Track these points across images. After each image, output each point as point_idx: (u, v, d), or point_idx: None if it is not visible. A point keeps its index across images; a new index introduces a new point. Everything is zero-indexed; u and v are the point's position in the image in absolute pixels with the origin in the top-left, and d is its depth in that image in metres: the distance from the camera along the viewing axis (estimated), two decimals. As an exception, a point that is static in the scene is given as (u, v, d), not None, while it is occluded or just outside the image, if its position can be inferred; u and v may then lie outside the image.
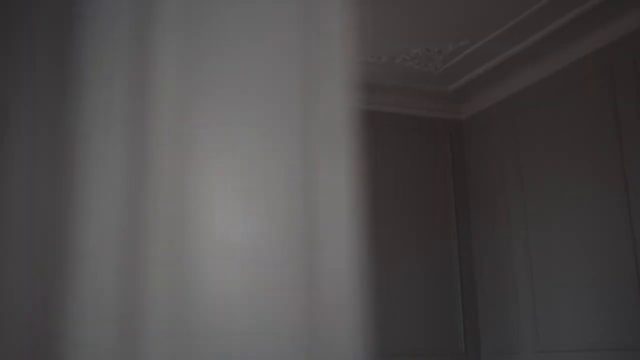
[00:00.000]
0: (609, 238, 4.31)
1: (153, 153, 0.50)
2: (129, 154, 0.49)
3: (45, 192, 0.50)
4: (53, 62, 0.53)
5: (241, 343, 0.47)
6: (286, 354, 0.47)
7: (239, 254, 0.49)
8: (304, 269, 0.50)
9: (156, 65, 0.51)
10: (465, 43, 4.76)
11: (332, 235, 0.52)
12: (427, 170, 5.54)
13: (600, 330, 4.31)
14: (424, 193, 5.47)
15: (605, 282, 4.30)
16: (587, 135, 4.53)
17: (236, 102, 0.54)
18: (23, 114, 0.59)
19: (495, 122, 5.38)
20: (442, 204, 5.51)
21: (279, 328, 0.48)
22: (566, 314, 4.57)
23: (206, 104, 0.52)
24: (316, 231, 0.52)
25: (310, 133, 0.56)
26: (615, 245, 4.26)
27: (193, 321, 0.47)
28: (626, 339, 4.14)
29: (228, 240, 0.49)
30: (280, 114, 0.56)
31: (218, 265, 0.48)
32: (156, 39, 0.51)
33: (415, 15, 4.36)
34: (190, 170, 0.50)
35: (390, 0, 4.19)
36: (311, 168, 0.54)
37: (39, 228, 0.50)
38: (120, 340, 0.45)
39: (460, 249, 5.45)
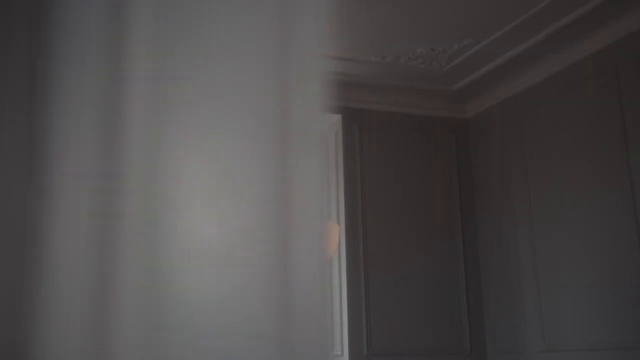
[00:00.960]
0: (614, 237, 4.29)
1: (127, 154, 0.50)
2: (102, 154, 0.50)
3: (17, 192, 0.51)
4: (26, 63, 0.53)
5: (215, 343, 0.47)
6: (260, 354, 0.48)
7: (213, 255, 0.49)
8: (278, 270, 0.51)
9: (130, 66, 0.51)
10: (470, 42, 4.76)
11: (305, 236, 0.53)
12: (433, 169, 5.53)
13: (605, 329, 4.30)
14: (429, 192, 5.47)
15: (611, 282, 4.29)
16: (592, 134, 4.51)
17: (211, 104, 0.54)
18: None
19: (500, 121, 5.37)
20: (448, 203, 5.51)
21: (253, 328, 0.48)
22: (572, 313, 4.56)
23: (181, 106, 0.53)
24: (290, 232, 0.53)
25: (285, 134, 0.56)
26: (620, 245, 4.25)
27: (167, 322, 0.47)
28: (632, 339, 4.13)
29: (202, 241, 0.49)
30: (254, 116, 0.56)
31: (192, 266, 0.49)
32: (130, 40, 0.52)
33: (420, 14, 4.36)
34: (165, 172, 0.51)
35: (394, 0, 4.19)
36: (286, 169, 0.55)
37: (10, 229, 0.51)
38: (93, 342, 0.46)
39: (466, 248, 5.45)
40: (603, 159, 4.42)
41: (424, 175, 5.49)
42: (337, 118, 5.43)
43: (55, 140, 0.50)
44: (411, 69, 5.10)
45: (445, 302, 5.31)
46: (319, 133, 0.59)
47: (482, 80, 5.26)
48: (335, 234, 3.36)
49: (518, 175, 5.13)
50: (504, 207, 5.26)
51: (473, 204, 5.55)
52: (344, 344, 5.06)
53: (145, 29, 0.52)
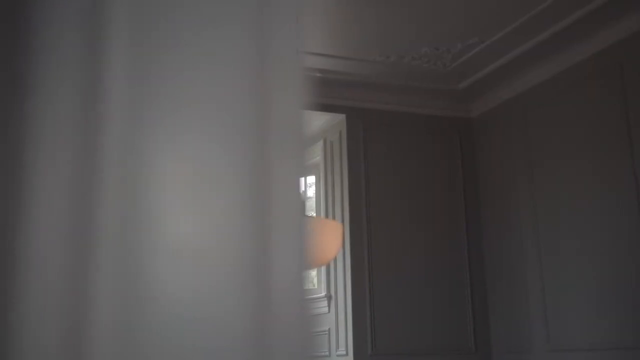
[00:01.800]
0: (619, 237, 4.28)
1: (104, 154, 0.50)
2: (79, 154, 0.50)
3: None
4: (3, 69, 0.53)
5: (190, 341, 0.47)
6: (235, 352, 0.48)
7: (190, 254, 0.49)
8: (254, 269, 0.51)
9: (107, 66, 0.51)
10: (474, 41, 4.75)
11: (282, 236, 0.53)
12: (437, 169, 5.53)
13: (610, 328, 4.28)
14: (434, 191, 5.47)
15: (616, 281, 4.27)
16: (596, 133, 4.50)
17: (188, 104, 0.54)
18: None
19: (505, 120, 5.36)
20: (452, 202, 5.50)
21: (229, 326, 0.48)
22: (577, 312, 4.55)
23: (158, 106, 0.52)
24: (267, 232, 0.52)
25: (263, 133, 0.56)
26: (625, 244, 4.23)
27: (143, 320, 0.47)
28: (636, 338, 4.11)
29: (178, 240, 0.49)
30: (232, 115, 0.55)
31: (168, 265, 0.49)
32: (107, 40, 0.52)
33: (424, 14, 4.35)
34: (141, 171, 0.51)
35: (398, 0, 4.18)
36: (263, 168, 0.54)
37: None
38: (70, 338, 0.46)
39: (470, 248, 5.44)
40: (607, 158, 4.41)
41: (428, 174, 5.49)
42: (342, 118, 5.43)
43: (31, 143, 0.50)
44: (415, 68, 5.10)
45: (450, 302, 5.30)
46: (300, 131, 0.58)
47: (486, 79, 5.25)
48: (339, 234, 3.36)
49: (522, 175, 5.12)
50: (509, 207, 5.25)
51: (477, 203, 5.54)
52: (348, 343, 5.06)
53: (122, 30, 0.52)
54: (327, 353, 5.30)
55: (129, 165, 0.50)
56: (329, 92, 5.29)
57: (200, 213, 0.51)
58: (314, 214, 5.80)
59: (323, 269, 5.42)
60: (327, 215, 5.45)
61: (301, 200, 0.56)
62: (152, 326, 0.47)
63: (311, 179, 5.95)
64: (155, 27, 0.54)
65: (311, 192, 5.94)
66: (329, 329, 5.30)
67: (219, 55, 0.57)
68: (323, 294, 5.37)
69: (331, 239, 3.33)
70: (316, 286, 5.64)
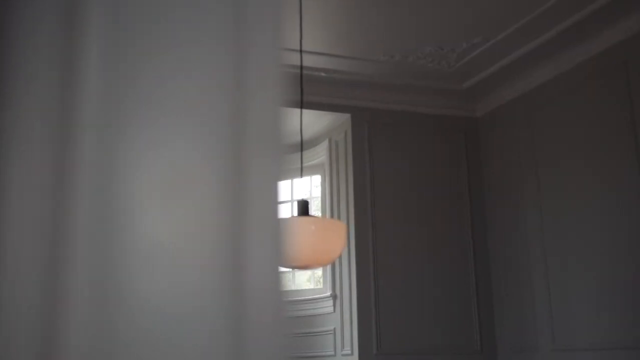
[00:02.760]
0: (625, 236, 4.27)
1: (79, 153, 0.50)
2: (54, 153, 0.50)
3: None
4: None
5: (164, 341, 0.48)
6: (209, 354, 0.48)
7: (165, 254, 0.49)
8: (229, 270, 0.51)
9: (83, 65, 0.51)
10: (479, 40, 4.74)
11: (258, 237, 0.53)
12: (442, 168, 5.52)
13: (616, 328, 4.27)
14: (439, 191, 5.46)
15: (622, 280, 4.26)
16: (603, 131, 4.49)
17: (163, 104, 0.54)
18: None
19: (510, 119, 5.35)
20: (457, 202, 5.49)
21: (203, 326, 0.48)
22: (582, 311, 4.54)
23: (133, 107, 0.52)
24: (243, 233, 0.52)
25: (240, 133, 0.56)
26: (631, 243, 4.22)
27: (117, 321, 0.47)
28: (641, 338, 4.10)
29: (153, 240, 0.49)
30: (208, 116, 0.55)
31: (143, 265, 0.49)
32: (83, 40, 0.52)
33: (428, 13, 4.35)
34: (117, 171, 0.51)
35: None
36: (240, 169, 0.54)
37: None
38: (43, 338, 0.46)
39: (476, 247, 5.43)
40: (613, 156, 4.40)
41: (433, 174, 5.48)
42: (347, 117, 5.43)
43: (6, 139, 0.50)
44: (420, 67, 5.09)
45: (455, 301, 5.30)
46: (278, 132, 0.58)
47: (491, 79, 5.24)
48: (343, 234, 3.36)
49: (528, 174, 5.11)
50: (514, 206, 5.24)
51: (483, 203, 5.54)
52: (353, 343, 5.07)
53: (98, 30, 0.52)
54: (332, 353, 5.30)
55: (104, 165, 0.50)
56: (333, 92, 5.30)
57: (175, 213, 0.51)
58: (319, 214, 5.80)
59: (328, 268, 5.43)
60: (332, 215, 5.45)
61: (278, 201, 0.56)
62: (126, 325, 0.47)
63: (316, 179, 5.96)
64: (131, 28, 0.54)
65: (316, 192, 5.94)
66: (334, 328, 5.30)
67: (196, 54, 0.56)
68: (328, 293, 5.38)
69: (335, 238, 3.33)
70: (322, 286, 5.64)
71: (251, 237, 0.52)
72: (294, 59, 3.99)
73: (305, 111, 5.18)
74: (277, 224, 0.54)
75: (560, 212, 4.79)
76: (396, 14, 4.35)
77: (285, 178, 5.69)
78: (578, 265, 4.60)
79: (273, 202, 0.54)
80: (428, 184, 5.44)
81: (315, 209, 5.94)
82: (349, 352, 5.10)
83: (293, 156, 5.66)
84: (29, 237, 0.48)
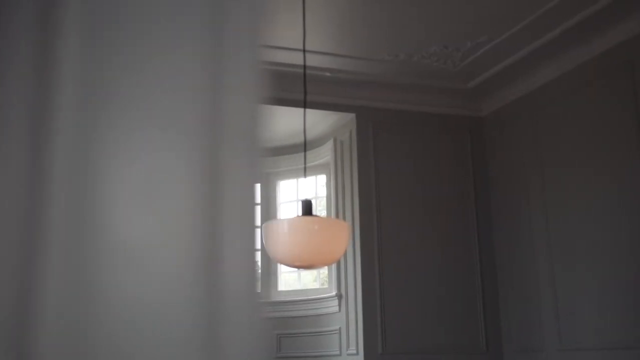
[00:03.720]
0: (631, 235, 4.25)
1: (55, 154, 0.50)
2: (30, 156, 0.50)
3: None
4: None
5: (138, 342, 0.48)
6: (183, 353, 0.48)
7: (140, 255, 0.50)
8: (204, 271, 0.51)
9: (58, 63, 0.51)
10: (484, 40, 4.74)
11: (234, 237, 0.53)
12: (447, 168, 5.51)
13: (623, 328, 4.26)
14: (444, 191, 5.46)
15: (628, 280, 4.25)
16: (608, 130, 4.47)
17: (140, 104, 0.53)
18: None
19: (515, 119, 5.34)
20: (462, 201, 5.48)
21: (177, 328, 0.49)
22: (588, 311, 4.52)
23: (109, 107, 0.52)
24: (218, 232, 0.52)
25: (215, 131, 0.55)
26: (637, 243, 4.21)
27: (89, 320, 0.48)
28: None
29: (129, 241, 0.50)
30: (185, 117, 0.55)
31: (118, 265, 0.49)
32: (57, 44, 0.52)
33: (432, 12, 4.35)
34: (93, 172, 0.51)
35: (406, -1, 4.18)
36: (215, 168, 0.54)
37: None
38: (13, 338, 0.46)
39: (481, 246, 5.43)
40: (618, 155, 4.38)
41: (438, 173, 5.48)
42: (351, 117, 5.43)
43: None
44: (425, 67, 5.09)
45: (461, 301, 5.29)
46: (256, 133, 0.57)
47: (496, 78, 5.23)
48: (346, 233, 3.37)
49: (533, 173, 5.10)
50: (519, 205, 5.23)
51: (488, 202, 5.53)
52: (358, 342, 5.07)
53: (73, 30, 0.52)
54: (337, 352, 5.30)
55: (80, 167, 0.50)
56: (338, 92, 5.30)
57: (151, 214, 0.51)
58: (325, 214, 5.80)
59: (334, 268, 5.43)
60: (337, 215, 5.46)
61: (254, 203, 0.56)
62: (100, 324, 0.47)
63: (322, 179, 5.96)
64: (107, 28, 0.54)
65: (322, 191, 5.95)
66: (340, 328, 5.31)
67: (171, 54, 0.56)
68: (334, 293, 5.38)
69: (338, 238, 3.34)
70: (327, 285, 5.65)
71: (227, 238, 0.52)
72: (298, 59, 3.99)
73: (310, 111, 5.19)
74: (253, 225, 0.54)
75: (565, 211, 4.77)
76: (401, 14, 4.35)
77: (262, 180, 5.69)
78: (584, 265, 4.58)
79: (249, 203, 0.55)
80: (433, 183, 5.44)
81: (320, 209, 5.94)
82: (354, 351, 5.10)
83: (298, 156, 5.66)
84: (4, 238, 0.49)
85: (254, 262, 0.53)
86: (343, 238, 3.35)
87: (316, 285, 5.80)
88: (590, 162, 4.60)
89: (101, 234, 0.49)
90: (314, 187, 6.01)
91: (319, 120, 5.61)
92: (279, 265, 5.68)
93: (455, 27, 4.55)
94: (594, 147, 4.58)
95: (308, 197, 5.81)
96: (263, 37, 0.62)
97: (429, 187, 5.42)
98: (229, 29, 0.58)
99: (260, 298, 0.53)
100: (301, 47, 3.66)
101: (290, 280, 5.98)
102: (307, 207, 3.32)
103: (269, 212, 6.05)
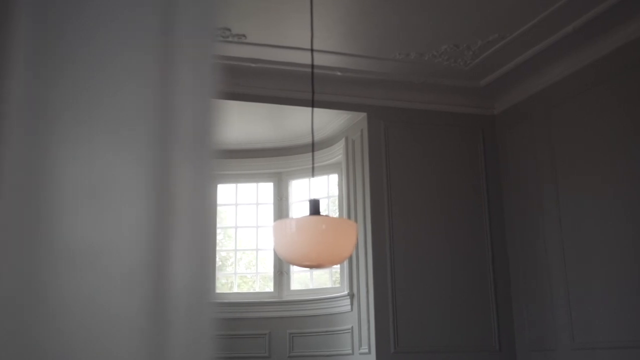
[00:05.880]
0: (642, 233, 4.22)
1: (3, 157, 0.50)
2: None
3: None
4: None
5: (86, 349, 0.48)
6: (129, 353, 0.49)
7: (88, 258, 0.50)
8: (154, 271, 0.51)
9: (8, 69, 0.51)
10: (494, 38, 4.72)
11: (186, 240, 0.53)
12: (459, 166, 5.50)
13: (636, 326, 4.22)
14: (456, 190, 5.44)
15: (640, 279, 4.21)
16: (622, 128, 4.44)
17: (89, 101, 0.53)
18: None
19: (528, 116, 5.31)
20: (475, 200, 5.46)
21: (126, 334, 0.49)
22: (601, 310, 4.49)
23: (57, 107, 0.52)
24: (171, 233, 0.52)
25: (168, 134, 0.54)
26: (648, 241, 4.17)
27: (37, 324, 0.48)
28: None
29: (77, 242, 0.50)
30: (135, 115, 0.54)
31: (68, 271, 0.49)
32: (8, 42, 0.51)
33: (443, 11, 4.34)
34: (41, 172, 0.50)
35: (415, -3, 4.17)
36: (168, 170, 0.53)
37: None
38: None
39: (494, 245, 5.40)
40: (631, 153, 4.35)
41: (450, 172, 5.46)
42: (363, 116, 5.43)
43: None
44: (436, 66, 5.08)
45: (474, 299, 5.27)
46: (210, 129, 0.57)
47: (508, 76, 5.21)
48: (354, 233, 3.37)
49: (546, 172, 5.07)
50: (532, 203, 5.20)
51: (500, 201, 5.50)
52: (371, 341, 5.07)
53: (24, 30, 0.51)
54: (350, 351, 5.31)
55: (28, 167, 0.50)
56: (349, 91, 5.30)
57: (100, 214, 0.51)
58: (337, 213, 5.81)
59: (346, 267, 5.44)
60: (349, 214, 5.46)
61: (209, 203, 0.56)
62: (48, 326, 0.48)
63: (334, 178, 5.96)
64: (52, 24, 0.53)
65: (334, 190, 5.95)
66: (352, 327, 5.31)
67: (120, 50, 0.55)
68: (346, 292, 5.39)
69: (346, 237, 3.34)
70: (339, 285, 5.65)
71: (178, 239, 0.52)
72: (306, 59, 4.00)
73: (321, 110, 5.21)
74: (206, 227, 0.54)
75: (578, 210, 4.74)
76: (411, 13, 4.34)
77: (217, 179, 5.70)
78: (597, 263, 4.55)
79: (201, 204, 0.55)
80: (445, 182, 5.43)
81: (333, 208, 5.95)
82: (367, 350, 5.10)
83: (310, 155, 5.67)
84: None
85: (207, 264, 0.54)
86: (351, 237, 3.35)
87: (328, 285, 5.81)
88: (603, 159, 4.56)
89: (49, 236, 0.49)
90: (326, 186, 6.02)
91: (330, 120, 5.62)
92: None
93: (466, 25, 4.54)
94: (607, 145, 4.54)
95: (319, 196, 5.82)
96: (216, 29, 0.61)
97: (441, 186, 5.41)
98: (180, 21, 0.57)
99: (213, 299, 0.54)
100: (308, 46, 3.67)
101: (303, 279, 6.00)
102: (315, 207, 3.32)
103: (281, 211, 6.06)
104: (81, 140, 0.51)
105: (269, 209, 6.16)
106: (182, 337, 0.50)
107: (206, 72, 0.57)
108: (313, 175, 3.82)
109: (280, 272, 5.90)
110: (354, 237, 3.36)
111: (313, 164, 3.61)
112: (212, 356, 0.52)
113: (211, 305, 0.52)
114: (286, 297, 5.83)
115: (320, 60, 4.75)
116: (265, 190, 6.22)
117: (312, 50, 3.64)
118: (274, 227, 3.41)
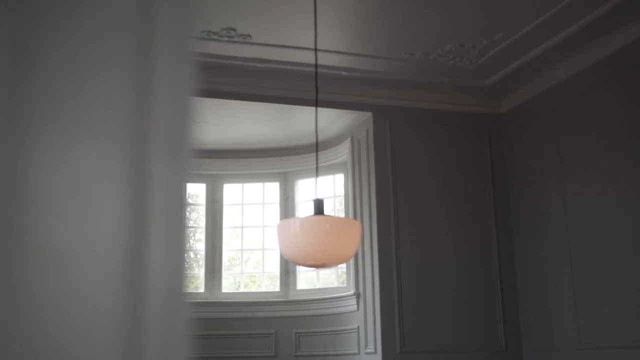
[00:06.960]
0: (648, 233, 4.20)
1: None
2: None
3: None
4: None
5: (61, 350, 0.48)
6: (104, 353, 0.49)
7: (65, 262, 0.50)
8: (130, 272, 0.51)
9: None
10: (500, 37, 4.70)
11: (161, 238, 0.53)
12: (465, 166, 5.49)
13: (642, 327, 4.21)
14: (462, 189, 5.43)
15: (646, 278, 4.19)
16: (628, 127, 4.42)
17: (68, 99, 0.53)
18: None
19: (534, 116, 5.29)
20: (481, 200, 5.45)
21: (102, 336, 0.49)
22: (608, 310, 4.47)
23: (33, 107, 0.51)
24: (146, 234, 0.53)
25: (144, 133, 0.54)
26: (655, 240, 4.15)
27: (13, 326, 0.48)
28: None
29: (54, 247, 0.50)
30: (113, 116, 0.53)
31: (43, 266, 0.49)
32: None
33: (448, 10, 4.33)
34: (17, 172, 0.50)
35: (420, -3, 4.17)
36: (143, 170, 0.53)
37: None
38: None
39: (500, 245, 5.39)
40: (638, 152, 4.33)
41: (456, 171, 5.45)
42: (368, 116, 5.43)
43: None
44: (441, 65, 5.07)
45: (480, 299, 5.26)
46: (185, 135, 0.56)
47: (514, 75, 5.19)
48: (358, 232, 3.37)
49: (552, 171, 5.05)
50: (538, 203, 5.18)
51: (507, 200, 5.49)
52: (377, 341, 5.07)
53: (2, 30, 0.51)
54: (356, 351, 5.31)
55: (3, 170, 0.50)
56: (355, 91, 5.30)
57: (75, 217, 0.51)
58: (342, 212, 5.81)
59: (352, 267, 5.44)
60: (355, 213, 5.46)
61: (184, 203, 0.56)
62: (22, 328, 0.48)
63: (340, 178, 5.96)
64: (35, 31, 0.53)
65: (340, 190, 5.95)
66: (358, 326, 5.31)
67: (96, 48, 0.55)
68: (352, 292, 5.39)
69: (350, 237, 3.34)
70: (345, 284, 5.65)
71: (154, 239, 0.52)
72: (312, 58, 4.00)
73: (326, 110, 5.21)
74: (181, 227, 0.54)
75: (585, 209, 4.73)
76: (416, 12, 4.33)
77: (193, 179, 5.71)
78: (603, 263, 4.53)
79: (176, 204, 0.55)
80: (451, 181, 5.42)
81: (339, 208, 5.95)
82: (373, 350, 5.10)
83: (314, 155, 5.67)
84: None
85: (181, 264, 0.54)
86: (355, 237, 3.35)
87: (334, 284, 5.81)
88: (610, 158, 4.54)
89: (24, 239, 0.49)
90: (332, 186, 6.02)
91: (336, 119, 5.62)
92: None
93: (471, 25, 4.53)
94: (613, 144, 4.52)
95: (325, 196, 5.82)
96: (194, 26, 0.60)
97: (447, 186, 5.40)
98: (157, 19, 0.56)
99: (187, 299, 0.54)
100: (312, 46, 3.68)
101: (310, 278, 6.00)
102: (319, 207, 3.33)
103: (287, 211, 6.07)
104: (57, 143, 0.51)
105: (275, 209, 6.16)
106: (158, 338, 0.50)
107: (185, 72, 0.57)
108: (317, 175, 3.82)
109: (287, 271, 5.91)
110: (358, 236, 3.36)
111: (317, 163, 3.61)
112: (187, 356, 0.52)
113: (187, 306, 0.53)
114: (292, 297, 5.83)
115: (326, 59, 4.75)
116: (272, 190, 6.23)
117: (315, 50, 3.64)
118: (279, 227, 3.41)
